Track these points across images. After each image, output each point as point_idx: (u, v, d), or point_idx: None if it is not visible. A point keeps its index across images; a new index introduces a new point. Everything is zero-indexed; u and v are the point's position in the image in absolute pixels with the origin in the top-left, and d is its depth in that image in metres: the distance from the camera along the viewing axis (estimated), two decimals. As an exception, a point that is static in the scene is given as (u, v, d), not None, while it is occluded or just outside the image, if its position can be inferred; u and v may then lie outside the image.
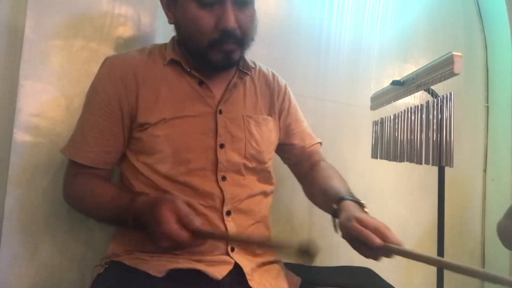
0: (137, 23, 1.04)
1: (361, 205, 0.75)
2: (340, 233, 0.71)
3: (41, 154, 0.90)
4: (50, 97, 0.92)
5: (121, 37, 1.01)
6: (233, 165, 0.82)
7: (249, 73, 0.90)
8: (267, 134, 0.90)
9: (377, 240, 0.63)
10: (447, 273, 1.12)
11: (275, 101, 0.95)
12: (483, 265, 1.81)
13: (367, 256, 0.67)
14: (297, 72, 1.49)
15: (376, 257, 0.66)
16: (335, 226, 0.74)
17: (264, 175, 0.89)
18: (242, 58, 0.86)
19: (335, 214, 0.75)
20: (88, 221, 0.95)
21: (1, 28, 0.92)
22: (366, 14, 1.66)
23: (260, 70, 0.96)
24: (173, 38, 0.88)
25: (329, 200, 0.79)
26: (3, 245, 0.86)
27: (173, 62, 0.83)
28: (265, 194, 0.89)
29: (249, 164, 0.85)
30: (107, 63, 0.83)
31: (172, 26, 0.84)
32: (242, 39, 0.79)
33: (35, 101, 0.91)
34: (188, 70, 0.82)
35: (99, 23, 0.99)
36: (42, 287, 0.90)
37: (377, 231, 0.64)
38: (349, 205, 0.73)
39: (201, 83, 0.83)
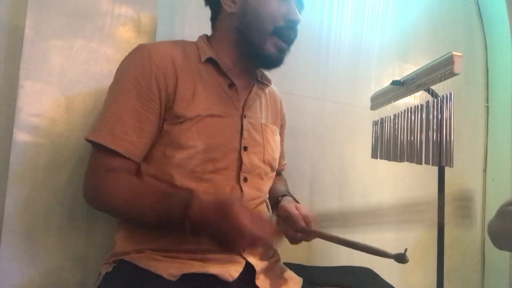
0: (137, 23, 1.04)
1: (296, 201, 0.94)
2: (276, 214, 0.90)
3: (41, 154, 0.90)
4: (50, 97, 0.92)
5: (121, 37, 1.01)
6: (255, 168, 0.84)
7: (269, 85, 0.95)
8: (277, 143, 0.96)
9: (302, 222, 0.81)
10: (447, 273, 1.12)
11: (278, 119, 1.03)
12: (483, 265, 1.81)
13: (289, 237, 0.83)
14: (297, 72, 1.49)
15: (295, 240, 0.82)
16: (274, 211, 0.93)
17: (271, 182, 0.94)
18: (282, 62, 0.88)
19: (276, 203, 0.93)
20: (89, 221, 0.95)
21: (1, 28, 0.92)
22: (366, 14, 1.66)
23: (271, 89, 1.02)
24: (203, 37, 0.89)
25: (274, 195, 0.97)
26: (3, 245, 0.86)
27: (209, 61, 0.84)
28: (266, 200, 0.92)
29: (266, 169, 0.88)
30: (144, 49, 0.79)
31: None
32: (294, 38, 0.87)
33: (35, 101, 0.90)
34: (224, 70, 0.83)
35: (99, 23, 0.99)
36: (43, 287, 0.90)
37: (305, 217, 0.82)
38: (289, 198, 0.95)
39: (231, 85, 0.85)
